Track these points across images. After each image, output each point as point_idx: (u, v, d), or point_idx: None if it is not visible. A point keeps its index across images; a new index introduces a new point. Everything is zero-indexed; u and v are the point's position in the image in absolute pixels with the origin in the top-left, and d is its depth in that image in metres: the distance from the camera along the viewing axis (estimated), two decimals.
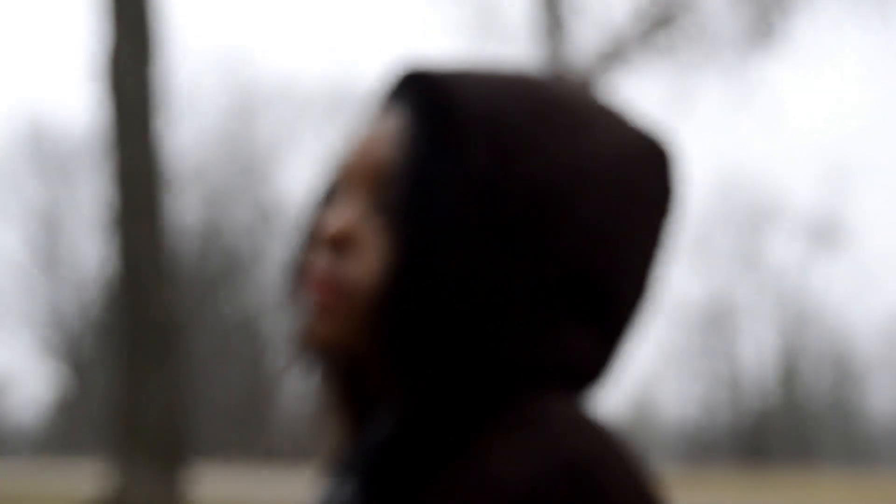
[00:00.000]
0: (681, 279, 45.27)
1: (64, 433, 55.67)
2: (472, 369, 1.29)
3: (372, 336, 1.32)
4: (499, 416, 1.28)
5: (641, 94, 19.20)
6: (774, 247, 50.47)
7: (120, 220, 16.47)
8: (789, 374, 53.64)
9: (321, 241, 1.34)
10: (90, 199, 40.06)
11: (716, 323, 52.32)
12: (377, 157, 1.33)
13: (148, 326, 16.51)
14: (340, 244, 1.32)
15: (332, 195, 1.40)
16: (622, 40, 18.59)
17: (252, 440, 47.24)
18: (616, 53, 18.65)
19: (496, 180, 1.29)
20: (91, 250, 44.63)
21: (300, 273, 1.40)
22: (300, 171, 45.31)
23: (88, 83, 17.42)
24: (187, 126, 39.67)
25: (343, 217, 1.32)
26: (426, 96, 1.34)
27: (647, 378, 51.82)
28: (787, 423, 52.76)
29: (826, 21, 18.53)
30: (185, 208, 39.98)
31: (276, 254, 41.42)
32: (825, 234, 50.79)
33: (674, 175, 1.37)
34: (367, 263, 1.31)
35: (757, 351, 53.28)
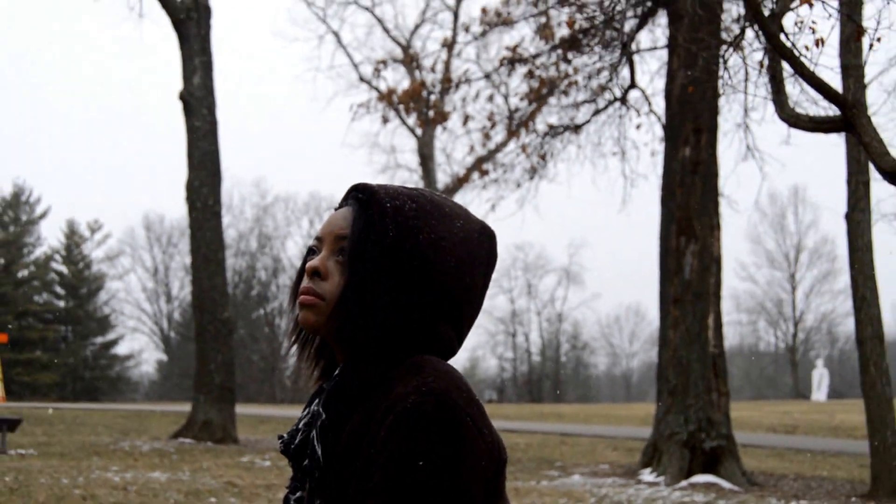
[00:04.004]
0: (494, 297, 63.85)
1: (167, 386, 66.37)
2: (386, 344, 1.81)
3: (333, 323, 1.84)
4: (401, 367, 1.77)
5: (476, 200, 22.71)
6: (543, 281, 71.63)
7: (198, 267, 20.44)
8: (549, 348, 72.82)
9: (308, 272, 1.86)
10: (184, 256, 59.07)
11: (512, 321, 71.84)
12: (338, 229, 1.87)
13: (213, 324, 20.30)
14: (317, 274, 1.85)
15: (313, 250, 1.90)
16: (464, 173, 22.47)
17: (270, 389, 60.33)
18: (461, 180, 22.66)
19: (399, 244, 1.81)
20: (185, 284, 63.32)
21: (297, 290, 1.90)
22: (296, 243, 64.22)
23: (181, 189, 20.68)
24: (233, 217, 60.40)
25: (319, 260, 1.86)
26: (363, 197, 1.89)
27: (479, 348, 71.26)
28: (549, 377, 72.78)
29: (568, 159, 22.78)
30: (233, 261, 59.55)
31: (285, 284, 60.75)
32: (571, 275, 69.35)
33: (494, 244, 1.93)
34: (331, 285, 1.84)
35: (532, 337, 72.85)
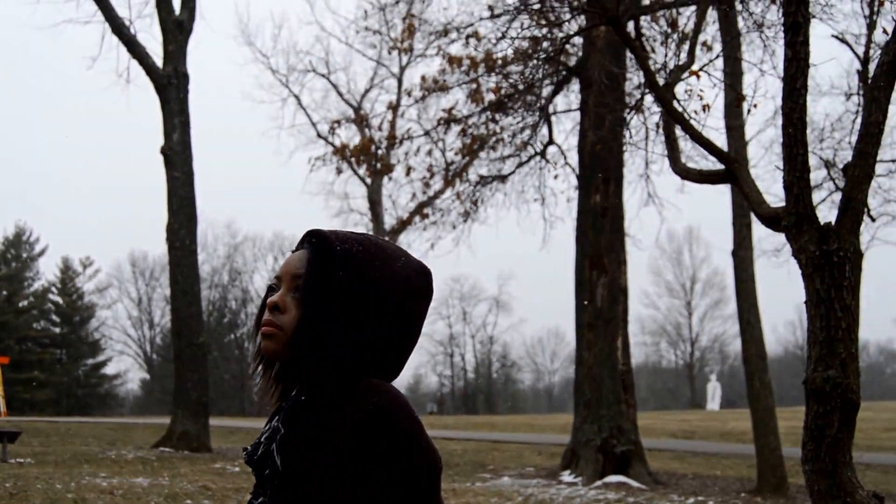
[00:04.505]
0: (434, 323, 63.93)
1: (149, 402, 65.69)
2: (336, 369, 1.79)
3: (290, 351, 1.82)
4: (351, 389, 1.76)
5: (417, 240, 22.12)
6: (476, 308, 71.80)
7: (177, 298, 20.26)
8: (482, 367, 73.05)
9: (269, 307, 1.84)
10: (164, 289, 57.84)
11: (450, 343, 71.99)
12: (294, 269, 1.85)
13: (190, 348, 20.07)
14: (277, 308, 1.83)
15: (273, 287, 1.88)
16: (408, 216, 22.52)
17: (240, 404, 59.73)
18: (405, 223, 22.75)
19: (347, 282, 1.79)
20: (165, 313, 62.22)
21: (259, 322, 1.87)
22: (263, 276, 63.90)
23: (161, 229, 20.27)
24: (207, 254, 59.92)
25: (279, 296, 1.84)
26: (316, 241, 1.86)
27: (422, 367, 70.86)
28: (482, 391, 73.19)
29: (496, 205, 22.88)
30: (207, 293, 59.01)
31: (253, 312, 59.46)
32: (500, 303, 69.73)
33: (430, 281, 1.90)
34: (289, 318, 1.82)
35: (467, 357, 72.64)
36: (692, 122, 7.07)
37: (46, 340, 61.75)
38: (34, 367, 57.72)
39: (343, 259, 1.82)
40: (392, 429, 1.71)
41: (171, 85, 20.35)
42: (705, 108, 7.61)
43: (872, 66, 6.47)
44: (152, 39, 19.98)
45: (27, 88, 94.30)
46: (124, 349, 68.25)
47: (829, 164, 15.31)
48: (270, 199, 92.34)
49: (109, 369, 66.38)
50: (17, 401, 50.40)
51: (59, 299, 63.73)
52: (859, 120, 6.34)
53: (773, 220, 6.27)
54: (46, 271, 73.31)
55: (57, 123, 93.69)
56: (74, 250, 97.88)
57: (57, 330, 63.15)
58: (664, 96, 6.87)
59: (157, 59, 20.62)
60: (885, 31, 6.79)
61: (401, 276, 1.84)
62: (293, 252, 1.91)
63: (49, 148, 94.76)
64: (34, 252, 62.88)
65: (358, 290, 1.80)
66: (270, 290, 1.89)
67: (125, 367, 69.83)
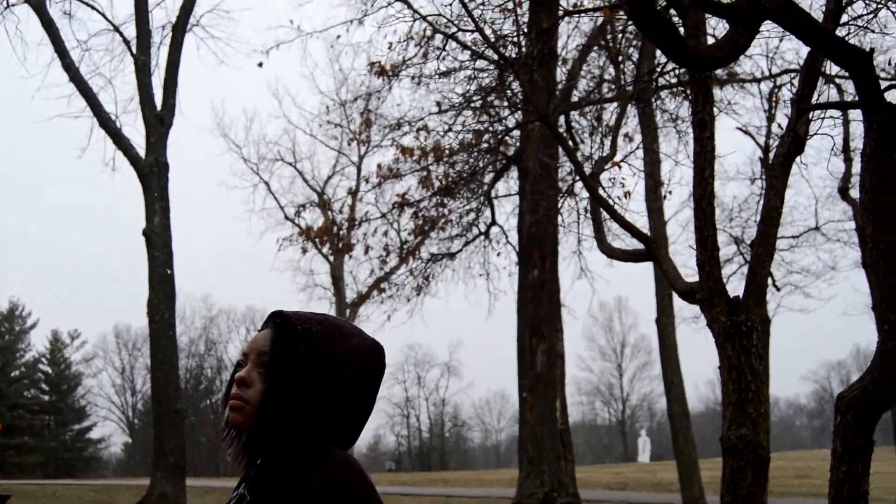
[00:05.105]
0: (391, 387, 63.88)
1: (131, 464, 64.30)
2: (298, 440, 1.77)
3: (256, 423, 1.79)
4: (311, 457, 1.74)
5: (375, 312, 22.50)
6: (429, 373, 71.24)
7: (156, 368, 19.79)
8: (435, 427, 72.36)
9: (236, 382, 1.83)
10: (146, 358, 56.22)
11: (406, 406, 71.31)
12: (260, 347, 1.83)
13: (168, 414, 19.58)
14: (244, 383, 1.82)
15: (241, 363, 1.86)
16: (366, 291, 23.01)
17: (215, 465, 57.79)
18: (364, 297, 23.24)
19: (308, 359, 1.78)
20: (146, 381, 61.30)
21: (228, 395, 1.86)
22: (236, 346, 62.90)
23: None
24: (185, 326, 59.77)
25: (245, 371, 1.82)
26: (280, 321, 1.85)
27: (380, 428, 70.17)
28: (436, 449, 72.21)
29: (446, 279, 22.87)
30: (185, 361, 58.97)
31: (227, 379, 56.48)
32: (451, 368, 69.19)
33: (382, 357, 1.89)
34: (255, 392, 1.80)
35: (422, 418, 71.96)
36: (616, 206, 7.14)
37: (36, 408, 60.54)
38: (25, 432, 56.56)
39: (304, 338, 1.80)
40: (350, 496, 1.70)
41: (153, 173, 20.22)
42: (626, 194, 7.71)
43: (773, 154, 6.58)
44: (136, 132, 20.01)
45: (20, 171, 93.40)
46: (108, 415, 67.15)
47: (738, 241, 15.57)
48: (243, 275, 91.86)
49: (94, 434, 65.20)
50: (8, 465, 49.18)
51: (48, 369, 62.65)
52: (762, 202, 6.43)
53: (688, 294, 6.31)
54: (37, 343, 71.96)
55: (49, 207, 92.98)
56: (63, 323, 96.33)
57: (46, 398, 61.89)
58: (591, 185, 6.94)
59: (141, 149, 20.55)
60: (780, 126, 6.93)
61: (356, 353, 1.83)
62: (259, 331, 1.89)
63: (41, 229, 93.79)
64: (26, 325, 61.81)
65: (317, 366, 1.78)
66: (238, 366, 1.87)
67: (109, 431, 68.48)
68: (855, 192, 11.74)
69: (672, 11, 5.91)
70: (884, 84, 4.61)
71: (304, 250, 25.01)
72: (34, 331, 62.90)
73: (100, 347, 66.57)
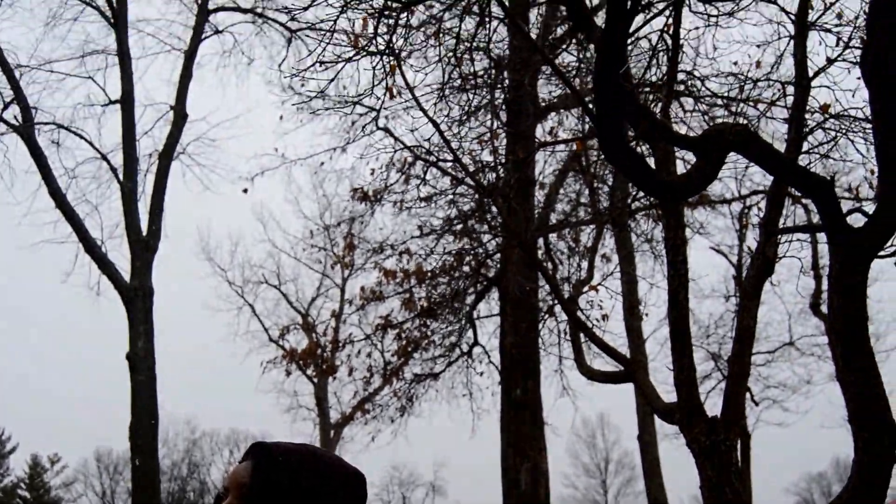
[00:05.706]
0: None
1: None
2: None
3: None
4: None
5: (360, 433, 21.35)
6: (414, 493, 67.30)
7: (138, 492, 18.88)
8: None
9: None
10: (127, 482, 54.71)
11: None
12: (241, 478, 1.84)
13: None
14: None
15: (221, 495, 1.90)
16: (350, 412, 22.14)
17: None
18: (348, 417, 23.11)
19: (288, 490, 1.79)
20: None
21: None
22: (219, 469, 62.47)
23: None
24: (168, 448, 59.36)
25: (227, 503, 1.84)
26: (259, 451, 1.86)
27: None
28: None
29: (429, 400, 22.19)
30: (168, 485, 57.99)
31: (210, 502, 57.64)
32: (436, 487, 65.38)
33: (363, 485, 1.89)
34: None
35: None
36: (595, 328, 7.23)
37: None
38: None
39: (285, 469, 1.81)
40: None
41: (137, 297, 20.08)
42: (604, 317, 7.82)
43: (745, 274, 6.73)
44: (121, 257, 20.06)
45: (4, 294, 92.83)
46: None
47: (715, 357, 15.67)
48: (226, 397, 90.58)
49: None
50: None
51: (27, 494, 61.17)
52: (736, 322, 6.54)
53: (668, 414, 6.36)
54: (16, 467, 70.39)
55: (30, 329, 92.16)
56: (43, 447, 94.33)
57: None
58: (570, 309, 7.05)
59: (125, 273, 20.48)
60: (749, 249, 7.10)
61: (337, 483, 1.83)
62: (240, 462, 1.89)
63: (22, 355, 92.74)
64: (5, 450, 60.79)
65: (298, 497, 1.79)
66: (219, 499, 1.88)
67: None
68: (826, 308, 11.88)
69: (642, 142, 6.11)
70: (846, 207, 4.78)
71: (288, 373, 24.62)
72: (13, 455, 61.63)
73: (80, 472, 65.18)
